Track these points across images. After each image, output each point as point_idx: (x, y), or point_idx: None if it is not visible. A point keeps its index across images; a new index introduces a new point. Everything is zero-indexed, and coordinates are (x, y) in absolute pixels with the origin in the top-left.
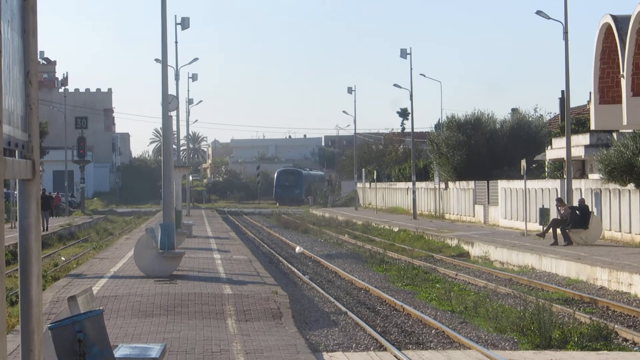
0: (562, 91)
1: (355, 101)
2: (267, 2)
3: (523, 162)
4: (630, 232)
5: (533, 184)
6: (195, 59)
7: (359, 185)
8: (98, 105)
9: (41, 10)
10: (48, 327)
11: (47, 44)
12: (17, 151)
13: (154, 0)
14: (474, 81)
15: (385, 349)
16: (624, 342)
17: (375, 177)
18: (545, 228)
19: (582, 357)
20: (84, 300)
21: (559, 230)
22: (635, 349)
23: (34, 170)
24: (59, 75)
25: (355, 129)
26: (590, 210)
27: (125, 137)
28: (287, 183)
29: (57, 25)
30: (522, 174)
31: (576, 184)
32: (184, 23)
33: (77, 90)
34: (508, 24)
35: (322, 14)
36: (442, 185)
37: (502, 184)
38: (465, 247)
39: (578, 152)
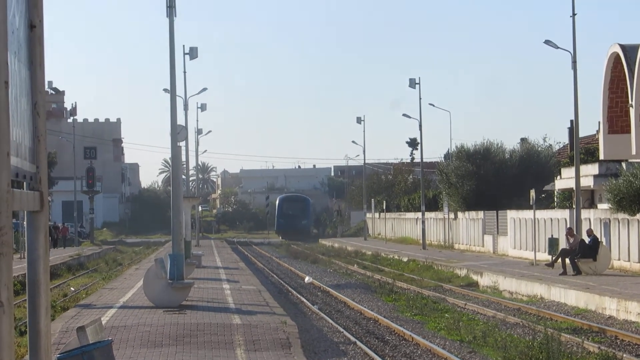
0: (571, 121)
1: (364, 131)
2: (276, 32)
3: (532, 192)
4: (639, 262)
5: (542, 214)
6: (204, 89)
7: (369, 215)
8: (107, 136)
9: (49, 40)
10: (57, 358)
11: (55, 74)
12: (25, 183)
13: (162, 30)
14: (483, 111)
15: None
16: None
17: (384, 207)
18: (554, 258)
19: None
20: (93, 330)
21: (567, 260)
22: None
23: (42, 202)
24: (68, 105)
25: (364, 159)
26: (599, 240)
27: (135, 167)
28: (291, 212)
29: (65, 55)
30: (531, 204)
31: (585, 213)
32: (192, 53)
33: (85, 120)
34: (517, 53)
35: (331, 44)
36: (452, 216)
37: (511, 214)
38: (474, 277)
39: (587, 182)
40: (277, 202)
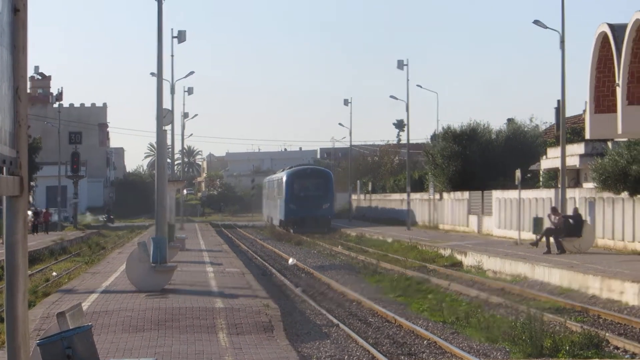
0: (558, 100)
1: (351, 113)
2: (263, 15)
3: (518, 172)
4: (623, 240)
5: (527, 194)
6: (191, 73)
7: (354, 196)
8: (92, 120)
9: (36, 24)
10: (37, 344)
11: (41, 58)
12: (4, 167)
13: (150, 13)
14: (471, 91)
15: None
16: (615, 350)
17: (370, 189)
18: (538, 237)
19: None
20: (72, 316)
21: (552, 239)
22: (626, 357)
23: (22, 187)
24: (54, 90)
25: (350, 141)
26: (583, 218)
27: (120, 151)
28: (306, 193)
29: (52, 40)
30: (516, 183)
31: (570, 193)
32: (180, 36)
33: (71, 105)
34: (505, 33)
35: (317, 26)
36: (437, 196)
37: (496, 194)
38: (459, 257)
39: (573, 161)
40: (283, 179)
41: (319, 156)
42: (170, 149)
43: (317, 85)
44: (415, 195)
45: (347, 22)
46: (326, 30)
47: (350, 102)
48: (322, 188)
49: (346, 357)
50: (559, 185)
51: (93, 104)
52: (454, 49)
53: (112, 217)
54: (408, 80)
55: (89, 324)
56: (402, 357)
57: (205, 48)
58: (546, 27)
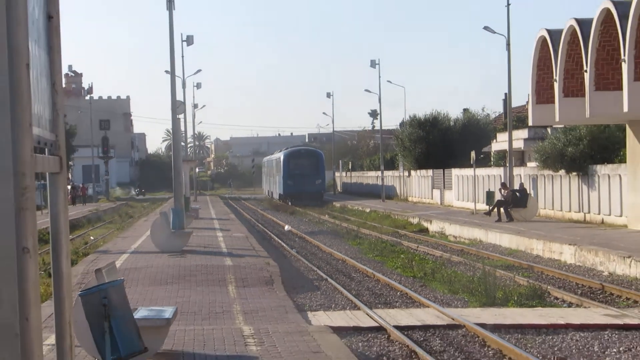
0: (506, 93)
1: (333, 104)
2: (259, 21)
3: (473, 153)
4: (561, 210)
5: (481, 171)
6: (199, 70)
7: (337, 174)
8: (118, 110)
9: (71, 28)
10: (79, 295)
11: (75, 58)
12: (46, 149)
13: (164, 20)
14: (433, 85)
15: (358, 308)
16: (555, 300)
17: (350, 167)
18: (490, 208)
19: (521, 312)
20: (108, 271)
21: (502, 209)
22: (564, 305)
23: (61, 165)
24: (85, 85)
25: (333, 128)
26: (528, 192)
27: (142, 136)
28: (298, 171)
29: (83, 43)
30: (471, 163)
31: (517, 170)
32: (189, 40)
33: (100, 97)
34: (461, 36)
35: (306, 30)
36: (406, 173)
37: (455, 172)
38: (425, 224)
39: (518, 144)
40: (281, 158)
41: (307, 140)
42: (183, 134)
43: (305, 80)
44: (388, 173)
45: (331, 24)
46: (311, 34)
47: (332, 95)
48: (314, 166)
49: (333, 305)
50: (507, 164)
51: (118, 97)
52: (420, 50)
53: (143, 190)
54: (380, 76)
55: (122, 278)
56: (380, 305)
57: (212, 48)
58: (494, 32)
